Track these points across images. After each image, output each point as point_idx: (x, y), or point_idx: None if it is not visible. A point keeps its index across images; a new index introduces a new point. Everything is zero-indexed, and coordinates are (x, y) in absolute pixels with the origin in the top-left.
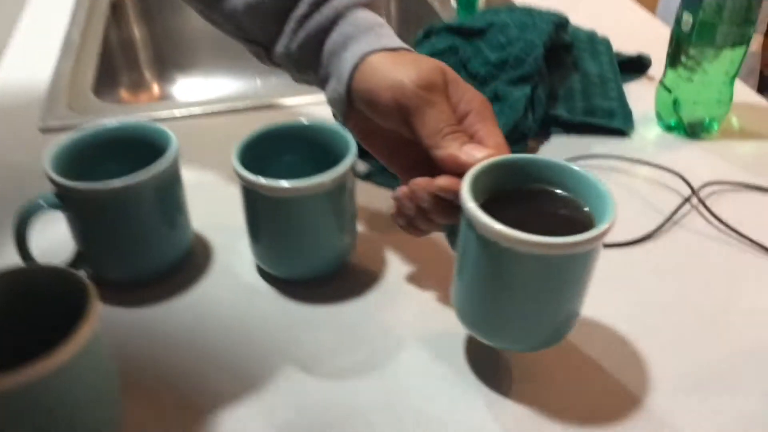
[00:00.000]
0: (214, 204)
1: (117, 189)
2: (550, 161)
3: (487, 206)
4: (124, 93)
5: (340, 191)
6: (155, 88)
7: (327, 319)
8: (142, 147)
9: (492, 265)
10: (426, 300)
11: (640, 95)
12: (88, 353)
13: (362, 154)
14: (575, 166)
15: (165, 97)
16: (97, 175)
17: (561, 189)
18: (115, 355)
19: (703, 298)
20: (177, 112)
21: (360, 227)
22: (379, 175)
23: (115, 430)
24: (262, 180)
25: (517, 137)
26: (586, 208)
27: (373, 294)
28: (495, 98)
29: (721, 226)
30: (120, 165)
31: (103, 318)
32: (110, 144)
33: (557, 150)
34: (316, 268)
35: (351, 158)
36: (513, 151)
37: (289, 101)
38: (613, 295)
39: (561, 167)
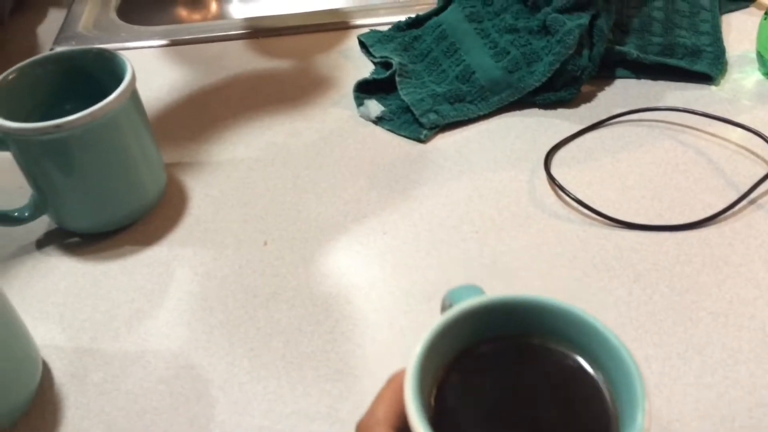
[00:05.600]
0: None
1: (45, 130)
2: (546, 303)
3: (454, 372)
4: (182, 11)
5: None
6: (213, 6)
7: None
8: (102, 78)
9: None
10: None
11: (742, 30)
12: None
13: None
14: (590, 316)
15: (222, 16)
16: (55, 112)
17: (569, 346)
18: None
19: None
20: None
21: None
22: (392, 120)
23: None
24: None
25: (567, 80)
26: (603, 386)
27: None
28: (543, 29)
29: None
30: (78, 98)
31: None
32: (66, 75)
33: (618, 98)
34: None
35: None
36: (558, 98)
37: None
38: (648, 300)
39: (565, 313)
